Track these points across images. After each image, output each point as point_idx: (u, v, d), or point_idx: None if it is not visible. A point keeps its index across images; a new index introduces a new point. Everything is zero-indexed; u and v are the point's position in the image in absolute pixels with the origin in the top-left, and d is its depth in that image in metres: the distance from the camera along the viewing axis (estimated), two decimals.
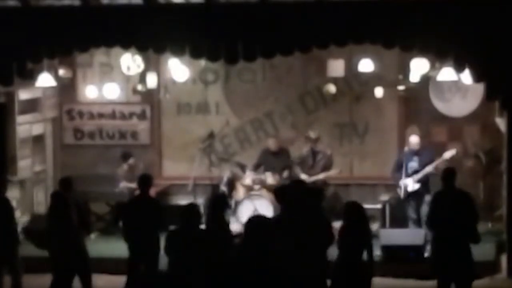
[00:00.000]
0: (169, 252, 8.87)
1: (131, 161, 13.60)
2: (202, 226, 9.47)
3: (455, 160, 12.81)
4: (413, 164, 12.61)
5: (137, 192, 10.85)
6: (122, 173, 13.57)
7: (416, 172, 12.54)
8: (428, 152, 12.74)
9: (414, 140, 12.70)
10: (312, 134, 13.33)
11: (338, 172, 13.33)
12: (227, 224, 9.95)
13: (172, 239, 8.87)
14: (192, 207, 9.15)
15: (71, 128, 14.92)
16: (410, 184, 12.51)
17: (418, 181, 12.49)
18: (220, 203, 9.86)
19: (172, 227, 9.39)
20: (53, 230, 9.97)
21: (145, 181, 10.55)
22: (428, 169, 12.43)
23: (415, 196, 12.46)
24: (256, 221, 6.38)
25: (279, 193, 9.57)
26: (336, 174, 13.33)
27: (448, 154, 12.56)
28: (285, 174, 13.47)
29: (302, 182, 10.91)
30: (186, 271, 8.49)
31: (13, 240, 10.51)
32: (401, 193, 12.56)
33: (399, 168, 12.68)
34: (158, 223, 10.36)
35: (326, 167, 13.25)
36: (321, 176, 13.16)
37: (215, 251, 8.61)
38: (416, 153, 12.65)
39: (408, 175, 12.55)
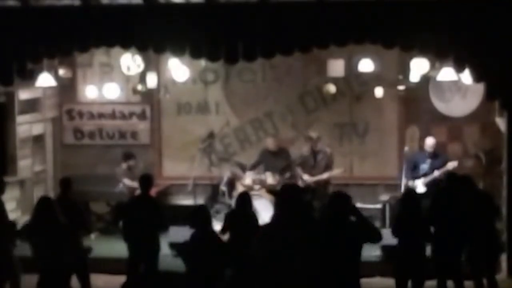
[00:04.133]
0: (189, 255, 8.73)
1: (131, 162, 13.61)
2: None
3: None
4: (425, 166, 12.79)
5: (138, 192, 10.85)
6: (121, 172, 13.57)
7: (425, 175, 12.67)
8: (441, 157, 12.89)
9: (429, 142, 12.86)
10: (314, 134, 13.35)
11: (342, 171, 13.35)
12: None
13: (193, 243, 8.74)
14: (204, 209, 9.10)
15: (71, 128, 14.92)
16: (420, 186, 12.62)
17: (426, 184, 12.60)
18: (248, 200, 10.35)
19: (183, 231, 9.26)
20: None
21: (145, 181, 10.55)
22: (435, 174, 12.63)
23: (423, 198, 12.56)
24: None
25: (279, 196, 9.52)
26: (340, 174, 13.34)
27: (451, 165, 12.70)
28: (287, 175, 13.45)
29: (296, 185, 10.88)
30: (211, 272, 8.46)
31: (8, 241, 10.47)
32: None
33: (413, 168, 12.83)
34: (158, 223, 10.35)
35: (328, 166, 13.28)
36: (325, 175, 13.17)
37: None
38: (430, 156, 12.78)
39: (418, 176, 12.67)
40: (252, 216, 10.43)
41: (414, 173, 12.83)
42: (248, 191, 13.16)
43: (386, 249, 11.67)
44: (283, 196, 8.57)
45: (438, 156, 12.86)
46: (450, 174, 10.79)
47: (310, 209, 9.56)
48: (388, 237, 11.89)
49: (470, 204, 10.07)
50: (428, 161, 12.78)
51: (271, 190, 13.06)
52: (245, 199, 10.53)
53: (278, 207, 8.88)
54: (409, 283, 9.79)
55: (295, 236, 8.18)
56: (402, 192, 12.72)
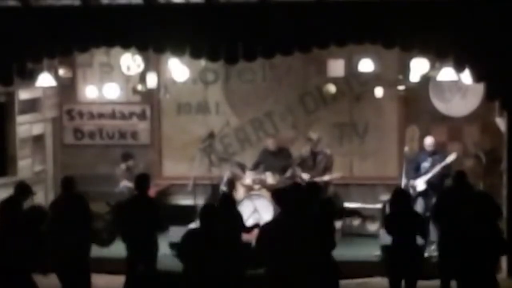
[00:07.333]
0: (187, 252, 8.74)
1: (130, 162, 13.61)
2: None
3: (455, 160, 12.85)
4: (426, 164, 12.85)
5: (136, 192, 10.84)
6: (120, 172, 13.58)
7: (426, 173, 12.70)
8: (441, 153, 12.95)
9: (428, 141, 12.93)
10: (314, 136, 13.34)
11: (340, 175, 13.32)
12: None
13: (191, 240, 8.76)
14: (211, 207, 9.12)
15: (71, 128, 14.93)
16: (420, 184, 12.63)
17: (427, 181, 12.62)
18: (231, 201, 10.33)
19: (189, 228, 9.27)
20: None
21: (142, 180, 10.54)
22: (435, 170, 12.61)
23: (423, 196, 12.56)
24: None
25: (277, 196, 9.54)
26: (338, 178, 13.31)
27: (450, 158, 12.77)
28: (288, 173, 13.43)
29: (300, 184, 10.92)
30: (208, 271, 8.47)
31: None
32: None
33: (416, 168, 12.86)
34: (156, 223, 10.35)
35: (327, 168, 13.24)
36: (325, 178, 13.11)
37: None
38: (430, 154, 12.85)
39: (419, 175, 12.68)
40: (237, 215, 10.42)
41: (417, 173, 12.86)
42: (248, 191, 13.30)
43: (385, 249, 11.67)
44: (287, 196, 8.65)
45: (437, 152, 12.93)
46: (458, 172, 10.77)
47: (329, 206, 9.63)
48: (388, 238, 11.95)
49: (471, 204, 10.07)
50: (429, 159, 12.86)
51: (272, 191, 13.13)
52: (227, 201, 10.48)
53: (282, 205, 8.97)
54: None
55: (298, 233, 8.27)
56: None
